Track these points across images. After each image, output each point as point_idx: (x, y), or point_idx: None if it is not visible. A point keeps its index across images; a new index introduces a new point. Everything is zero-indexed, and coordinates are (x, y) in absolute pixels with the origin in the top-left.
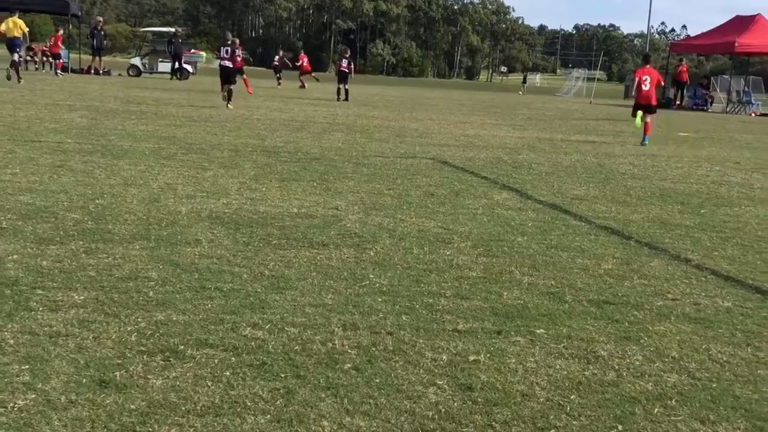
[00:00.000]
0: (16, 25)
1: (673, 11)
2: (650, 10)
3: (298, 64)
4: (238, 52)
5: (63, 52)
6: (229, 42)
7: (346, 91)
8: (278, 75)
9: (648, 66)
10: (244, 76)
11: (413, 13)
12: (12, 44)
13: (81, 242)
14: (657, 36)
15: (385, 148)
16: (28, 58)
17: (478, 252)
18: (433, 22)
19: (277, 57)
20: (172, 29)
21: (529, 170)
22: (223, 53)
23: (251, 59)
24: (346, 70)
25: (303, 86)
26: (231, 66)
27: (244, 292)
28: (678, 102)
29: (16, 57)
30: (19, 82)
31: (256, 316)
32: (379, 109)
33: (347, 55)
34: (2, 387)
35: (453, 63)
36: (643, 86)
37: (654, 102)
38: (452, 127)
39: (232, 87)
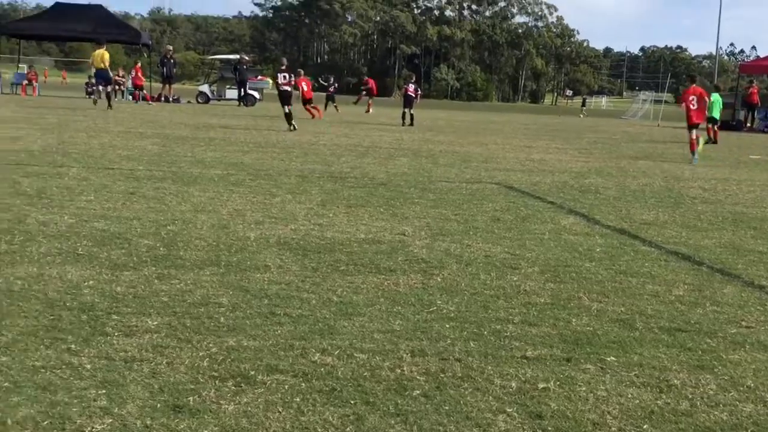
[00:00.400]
0: (102, 58)
1: (742, 32)
2: (719, 31)
3: (366, 87)
4: (304, 83)
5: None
6: (283, 67)
7: (412, 116)
8: (332, 102)
9: (694, 85)
10: (314, 105)
11: (477, 37)
12: (97, 76)
13: (154, 268)
14: (726, 57)
15: (450, 173)
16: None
17: (546, 278)
18: (497, 46)
19: (330, 84)
20: (238, 56)
21: (596, 195)
22: (281, 79)
23: (335, 85)
24: (413, 95)
25: (368, 111)
26: (290, 90)
27: (313, 318)
28: (749, 124)
29: (100, 88)
30: (109, 107)
31: (326, 342)
32: (444, 133)
33: (413, 80)
34: (80, 411)
35: (517, 87)
36: (690, 106)
37: (702, 119)
38: (517, 151)
39: (288, 109)
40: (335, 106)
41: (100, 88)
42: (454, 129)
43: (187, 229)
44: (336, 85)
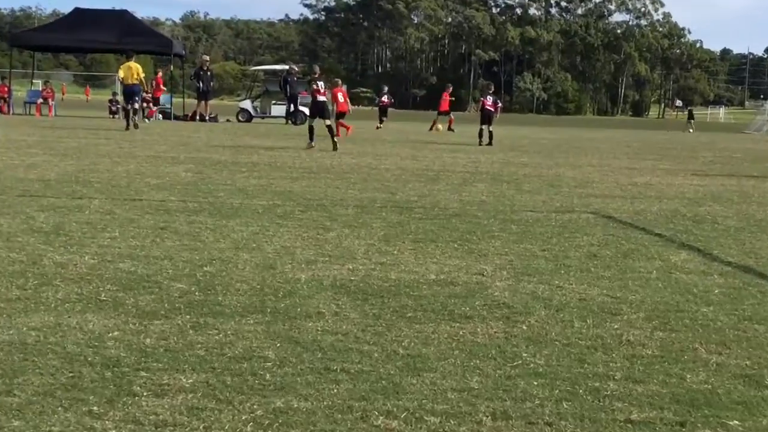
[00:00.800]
0: (132, 72)
1: None
2: None
3: (445, 101)
4: (340, 93)
5: (164, 96)
6: (317, 75)
7: (490, 133)
8: (382, 116)
9: None
10: (341, 120)
11: (567, 39)
12: (128, 92)
13: (188, 316)
14: None
15: (537, 200)
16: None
17: (653, 325)
18: (592, 50)
19: (385, 96)
20: (286, 66)
21: (714, 225)
22: (319, 87)
23: (387, 98)
24: (491, 109)
25: (437, 128)
26: (325, 100)
27: (375, 375)
28: None
29: (129, 107)
30: (135, 128)
31: (390, 402)
32: (529, 154)
33: (491, 91)
34: None
35: (616, 97)
36: None
37: None
38: (617, 174)
39: (329, 123)
40: (380, 122)
41: (130, 107)
42: (540, 148)
43: (226, 270)
44: (391, 97)
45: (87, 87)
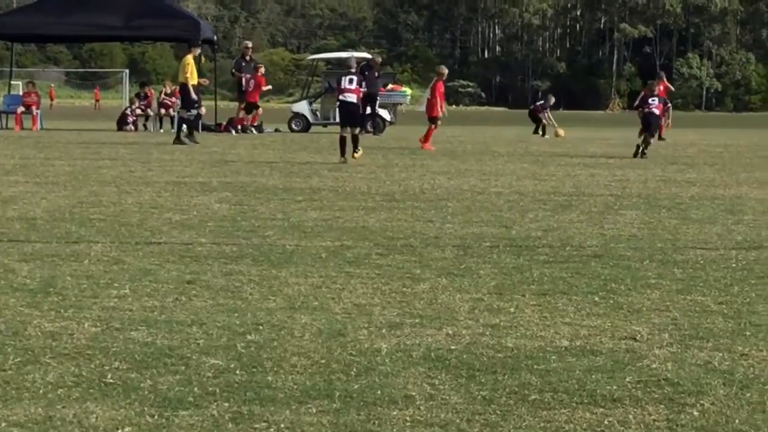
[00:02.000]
0: (192, 69)
1: None
2: None
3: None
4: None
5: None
6: (353, 69)
7: (647, 141)
8: (542, 123)
9: None
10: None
11: (750, 4)
12: (185, 98)
13: (226, 404)
14: None
15: (710, 233)
16: (139, 110)
17: None
18: None
19: (542, 101)
20: (363, 54)
21: None
22: (345, 83)
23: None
24: (659, 113)
25: (556, 133)
26: (356, 102)
27: None
28: None
29: (194, 112)
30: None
31: None
32: (697, 167)
33: (658, 87)
34: None
35: None
36: None
37: None
38: None
39: (357, 132)
40: (542, 128)
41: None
42: (712, 159)
43: (278, 338)
44: (551, 100)
45: (97, 88)
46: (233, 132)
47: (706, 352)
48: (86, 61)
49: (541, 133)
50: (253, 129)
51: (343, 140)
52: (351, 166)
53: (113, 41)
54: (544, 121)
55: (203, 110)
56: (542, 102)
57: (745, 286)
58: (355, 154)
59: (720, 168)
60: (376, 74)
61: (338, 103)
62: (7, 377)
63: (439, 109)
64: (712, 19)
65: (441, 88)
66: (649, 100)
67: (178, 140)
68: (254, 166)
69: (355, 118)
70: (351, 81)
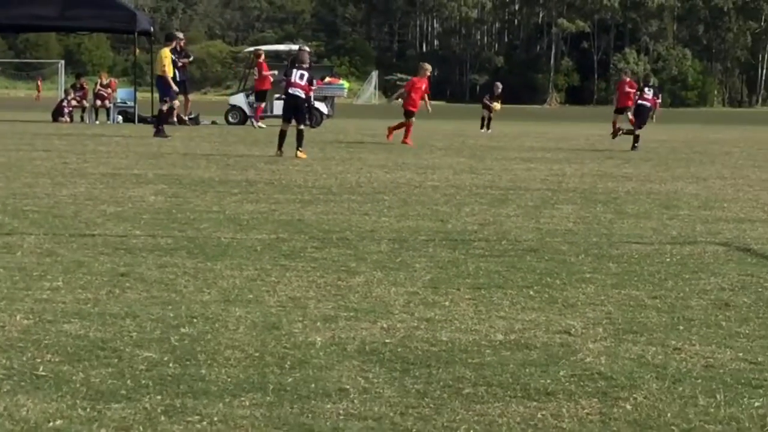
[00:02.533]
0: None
1: None
2: None
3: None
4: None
5: (125, 91)
6: (306, 64)
7: (636, 136)
8: (487, 115)
9: None
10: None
11: (686, 2)
12: (163, 87)
13: (159, 397)
14: None
15: (645, 228)
16: (75, 102)
17: None
18: (720, 16)
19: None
20: (295, 46)
21: None
22: (296, 77)
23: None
24: (648, 105)
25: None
26: (303, 97)
27: None
28: None
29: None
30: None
31: None
32: (634, 162)
33: (650, 83)
34: None
35: (755, 81)
36: None
37: None
38: (757, 188)
39: (301, 128)
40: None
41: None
42: (649, 154)
43: (212, 331)
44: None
45: (39, 79)
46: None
47: (639, 346)
48: (21, 52)
49: (486, 128)
50: (187, 119)
51: (282, 134)
52: (287, 159)
53: (49, 31)
54: (490, 114)
55: (176, 103)
56: (489, 95)
57: (679, 280)
58: (299, 153)
59: (656, 163)
60: (309, 65)
61: (285, 96)
62: None
63: (426, 106)
64: (649, 15)
65: (423, 84)
66: (646, 90)
67: (158, 133)
68: (190, 159)
69: (301, 113)
70: (302, 77)
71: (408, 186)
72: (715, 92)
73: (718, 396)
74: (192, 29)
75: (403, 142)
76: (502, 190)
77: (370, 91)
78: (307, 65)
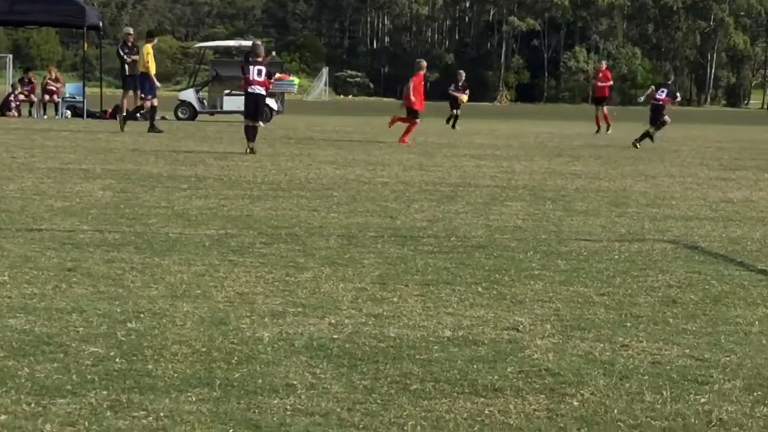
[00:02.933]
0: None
1: None
2: None
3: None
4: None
5: (74, 86)
6: (261, 58)
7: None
8: (455, 112)
9: None
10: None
11: (636, 0)
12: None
13: (105, 392)
14: None
15: (594, 225)
16: (23, 96)
17: (755, 398)
18: (670, 15)
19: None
20: (247, 42)
21: None
22: (254, 74)
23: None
24: (661, 103)
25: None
26: (263, 94)
27: None
28: None
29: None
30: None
31: None
32: (583, 160)
33: (670, 80)
34: None
35: (704, 80)
36: None
37: None
38: (705, 187)
39: (259, 124)
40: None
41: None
42: (598, 152)
43: (159, 327)
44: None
45: None
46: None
47: (587, 343)
48: None
49: (452, 126)
50: (138, 116)
51: (248, 128)
52: (237, 155)
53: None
54: (458, 110)
55: (155, 102)
56: (453, 84)
57: (627, 277)
58: (251, 146)
59: (605, 161)
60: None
61: (246, 94)
62: None
63: (419, 104)
64: (599, 14)
65: (418, 81)
66: (658, 92)
67: (152, 128)
68: (139, 154)
69: (260, 109)
70: (260, 72)
71: (357, 182)
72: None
73: (664, 392)
74: (142, 24)
75: (401, 141)
76: (452, 187)
77: (320, 88)
78: (261, 59)
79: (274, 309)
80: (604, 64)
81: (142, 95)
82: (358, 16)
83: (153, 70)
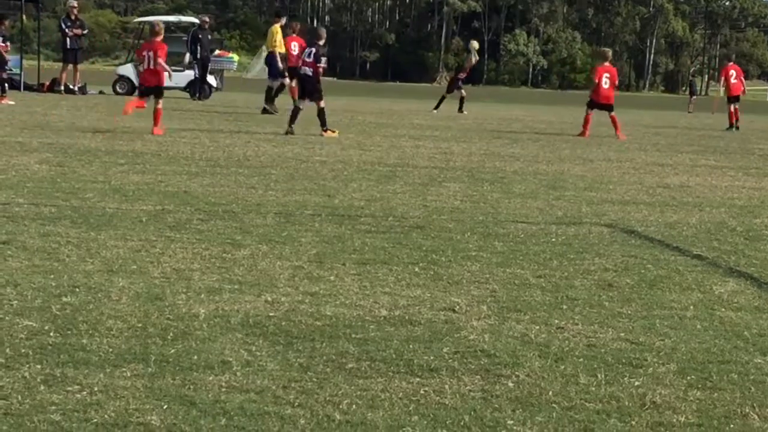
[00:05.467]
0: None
1: None
2: None
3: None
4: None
5: (12, 58)
6: (322, 40)
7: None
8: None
9: None
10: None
11: None
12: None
13: (39, 366)
14: None
15: (531, 208)
16: None
17: (688, 381)
18: (610, 0)
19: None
20: (191, 18)
21: None
22: (306, 55)
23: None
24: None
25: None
26: (311, 73)
27: None
28: None
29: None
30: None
31: None
32: (522, 143)
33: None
34: None
35: (643, 66)
36: None
37: None
38: (642, 172)
39: (323, 106)
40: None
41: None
42: (537, 135)
43: (94, 301)
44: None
45: None
46: (61, 91)
47: (523, 325)
48: None
49: (459, 108)
50: (76, 89)
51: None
52: (175, 131)
53: None
54: (462, 93)
55: (287, 80)
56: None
57: (564, 260)
58: (327, 132)
59: (544, 144)
60: (209, 37)
61: (298, 74)
62: None
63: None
64: None
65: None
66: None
67: (266, 110)
68: (76, 128)
69: (307, 89)
70: (310, 54)
71: (295, 160)
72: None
73: (599, 375)
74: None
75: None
76: (390, 167)
77: (260, 66)
78: (323, 41)
79: (210, 285)
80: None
81: (270, 78)
82: None
83: (281, 49)
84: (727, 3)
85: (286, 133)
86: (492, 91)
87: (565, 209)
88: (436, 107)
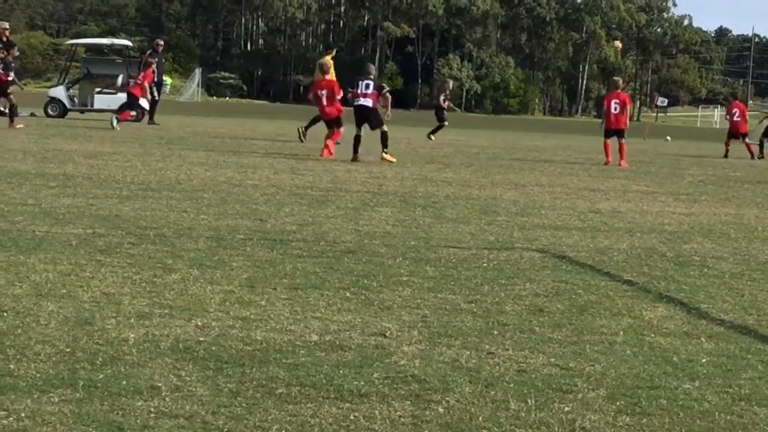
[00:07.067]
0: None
1: None
2: None
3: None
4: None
5: None
6: (372, 75)
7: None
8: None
9: None
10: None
11: (510, 9)
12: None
13: None
14: None
15: (463, 232)
16: None
17: (618, 407)
18: (543, 25)
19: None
20: (123, 41)
21: (703, 269)
22: (362, 87)
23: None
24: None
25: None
26: (371, 106)
27: None
28: None
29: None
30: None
31: None
32: (454, 167)
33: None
34: None
35: (576, 92)
36: None
37: None
38: (574, 197)
39: (385, 129)
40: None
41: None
42: (469, 160)
43: (23, 326)
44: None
45: None
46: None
47: (454, 350)
48: None
49: (432, 134)
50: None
51: (357, 138)
52: (107, 154)
53: None
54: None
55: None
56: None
57: (495, 285)
58: (386, 155)
59: (476, 169)
60: (163, 60)
61: (354, 106)
62: None
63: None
64: (473, 22)
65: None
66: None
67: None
68: (6, 151)
69: (365, 119)
70: (368, 86)
71: (228, 184)
72: (537, 101)
73: (529, 400)
74: (13, 19)
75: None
76: (322, 191)
77: (193, 89)
78: (373, 76)
79: (140, 310)
80: None
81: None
82: (232, 17)
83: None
84: (659, 30)
85: (353, 161)
86: (425, 115)
87: (496, 234)
88: (433, 132)
